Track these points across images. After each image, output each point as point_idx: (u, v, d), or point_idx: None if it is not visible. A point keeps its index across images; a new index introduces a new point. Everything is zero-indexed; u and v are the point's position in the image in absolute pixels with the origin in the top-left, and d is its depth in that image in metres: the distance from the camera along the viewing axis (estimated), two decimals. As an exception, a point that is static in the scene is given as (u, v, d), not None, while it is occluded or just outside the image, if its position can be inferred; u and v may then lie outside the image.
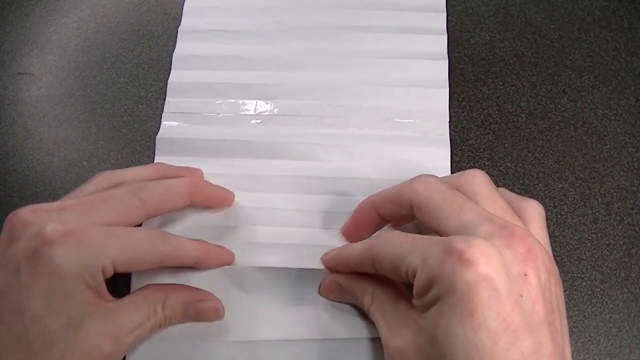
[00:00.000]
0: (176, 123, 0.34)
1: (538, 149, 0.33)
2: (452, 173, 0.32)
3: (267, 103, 0.34)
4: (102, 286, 0.25)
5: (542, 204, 0.32)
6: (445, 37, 0.36)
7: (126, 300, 0.26)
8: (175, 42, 0.37)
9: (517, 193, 0.32)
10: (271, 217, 0.31)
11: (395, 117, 0.34)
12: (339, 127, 0.34)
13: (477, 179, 0.26)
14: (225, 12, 0.37)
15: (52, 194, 0.34)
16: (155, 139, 0.34)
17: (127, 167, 0.34)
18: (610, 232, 0.32)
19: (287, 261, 0.30)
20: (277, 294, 0.29)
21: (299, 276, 0.29)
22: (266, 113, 0.34)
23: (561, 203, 0.32)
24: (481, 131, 0.34)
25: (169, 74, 0.36)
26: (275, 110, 0.34)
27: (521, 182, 0.33)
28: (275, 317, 0.29)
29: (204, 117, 0.34)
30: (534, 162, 0.33)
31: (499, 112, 0.34)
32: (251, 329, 0.29)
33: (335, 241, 0.30)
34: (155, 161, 0.33)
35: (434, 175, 0.26)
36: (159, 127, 0.34)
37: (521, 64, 0.36)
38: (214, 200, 0.31)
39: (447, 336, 0.21)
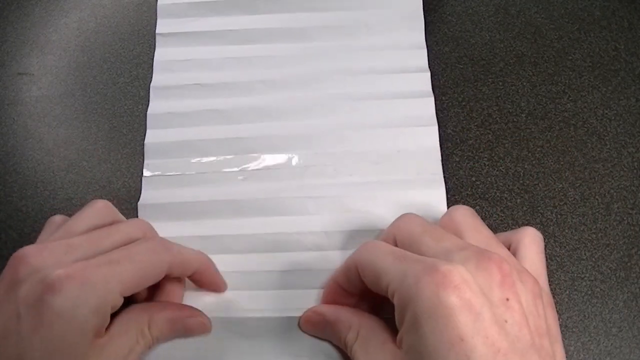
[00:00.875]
0: (156, 187, 0.32)
1: (538, 149, 0.33)
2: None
3: (250, 157, 0.33)
4: (107, 320, 0.24)
5: (542, 204, 0.32)
6: (428, 74, 0.34)
7: (114, 329, 0.25)
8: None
9: (517, 193, 0.32)
10: (263, 280, 0.30)
11: (385, 160, 0.32)
12: (328, 176, 0.32)
13: (459, 212, 0.26)
14: (198, 66, 0.35)
15: (52, 194, 0.34)
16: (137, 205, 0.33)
17: (126, 167, 0.34)
18: (610, 232, 0.32)
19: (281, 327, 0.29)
20: (272, 345, 0.28)
21: (290, 330, 0.28)
22: (250, 168, 0.33)
23: (561, 203, 0.32)
24: (481, 131, 0.34)
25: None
26: (260, 164, 0.33)
27: (521, 182, 0.33)
28: None
29: (185, 177, 0.33)
30: (534, 162, 0.33)
31: (499, 112, 0.34)
32: None
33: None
34: None
35: (413, 214, 0.27)
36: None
37: (521, 64, 0.36)
38: (212, 285, 0.29)
39: None
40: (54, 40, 0.38)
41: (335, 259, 0.30)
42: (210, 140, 0.33)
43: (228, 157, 0.33)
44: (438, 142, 0.32)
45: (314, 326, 0.28)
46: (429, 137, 0.33)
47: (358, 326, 0.25)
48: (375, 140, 0.33)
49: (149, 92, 0.36)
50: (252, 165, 0.33)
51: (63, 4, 0.39)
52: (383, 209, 0.31)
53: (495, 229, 0.31)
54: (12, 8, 0.39)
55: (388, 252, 0.24)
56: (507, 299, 0.21)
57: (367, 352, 0.24)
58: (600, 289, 0.31)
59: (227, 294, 0.30)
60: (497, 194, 0.33)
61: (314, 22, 0.36)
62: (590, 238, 0.31)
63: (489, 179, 0.33)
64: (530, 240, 0.25)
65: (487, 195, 0.32)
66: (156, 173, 0.33)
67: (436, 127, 0.33)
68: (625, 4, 0.37)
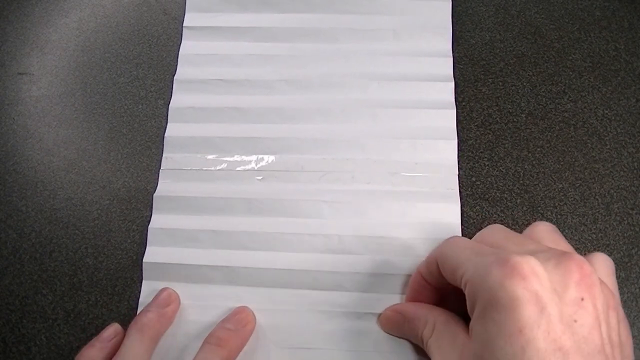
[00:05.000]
0: (173, 182, 0.33)
1: (538, 149, 0.33)
2: (462, 224, 0.31)
3: (268, 158, 0.33)
4: None
5: (542, 204, 0.32)
6: (452, 84, 0.34)
7: None
8: (175, 42, 0.37)
9: (517, 193, 0.32)
10: (274, 278, 0.30)
11: (402, 171, 0.32)
12: (345, 182, 0.32)
13: (541, 227, 0.26)
14: (222, 61, 0.35)
15: (52, 194, 0.34)
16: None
17: (126, 167, 0.34)
18: (610, 232, 0.32)
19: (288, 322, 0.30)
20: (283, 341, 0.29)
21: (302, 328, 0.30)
22: (268, 169, 0.33)
23: (561, 203, 0.32)
24: (481, 131, 0.34)
25: (169, 74, 0.36)
26: (278, 166, 0.33)
27: (521, 182, 0.33)
28: None
29: (203, 173, 0.33)
30: (534, 162, 0.33)
31: (499, 112, 0.34)
32: None
33: (341, 303, 0.30)
34: (152, 219, 0.32)
35: (499, 225, 0.26)
36: (160, 127, 0.34)
37: (521, 64, 0.36)
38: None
39: (494, 354, 0.21)
40: (53, 40, 0.38)
41: (346, 263, 0.30)
42: (229, 138, 0.33)
43: (245, 157, 0.33)
44: (456, 157, 0.32)
45: (393, 324, 0.29)
46: (448, 151, 0.32)
47: (433, 321, 0.26)
48: (394, 150, 0.32)
49: (149, 92, 0.36)
50: (269, 166, 0.33)
51: (63, 4, 0.39)
52: (397, 219, 0.31)
53: (495, 229, 0.31)
54: (12, 8, 0.39)
55: (467, 247, 0.24)
56: (582, 299, 0.21)
57: (440, 346, 0.25)
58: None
59: (236, 289, 0.30)
60: (497, 194, 0.32)
61: (340, 24, 0.36)
62: (590, 238, 0.31)
63: (489, 179, 0.33)
64: (604, 267, 0.25)
65: (487, 195, 0.32)
66: (174, 167, 0.33)
67: (456, 141, 0.33)
68: (625, 4, 0.37)
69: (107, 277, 0.32)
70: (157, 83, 0.36)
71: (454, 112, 0.33)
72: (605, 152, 0.33)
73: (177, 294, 0.30)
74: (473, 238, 0.26)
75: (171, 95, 0.35)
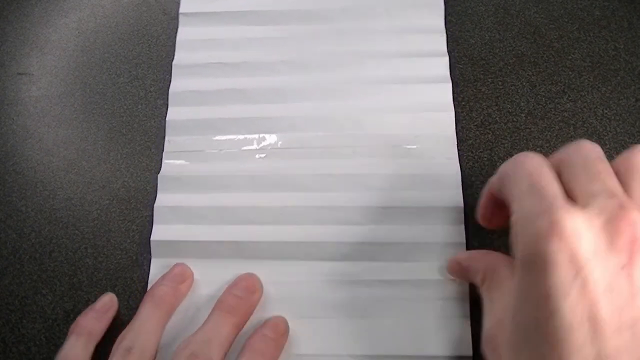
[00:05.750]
0: (177, 161, 0.34)
1: (538, 149, 0.33)
2: (463, 191, 0.32)
3: (270, 137, 0.33)
4: None
5: (542, 203, 0.32)
6: (446, 59, 0.35)
7: None
8: (175, 42, 0.37)
9: (517, 193, 0.32)
10: (281, 250, 0.31)
11: (402, 143, 0.33)
12: (347, 156, 0.33)
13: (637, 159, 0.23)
14: (220, 45, 0.36)
15: (52, 194, 0.34)
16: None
17: (126, 167, 0.34)
18: (610, 232, 0.32)
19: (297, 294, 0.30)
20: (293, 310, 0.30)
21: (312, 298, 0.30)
22: (270, 147, 0.33)
23: (561, 203, 0.32)
24: (481, 131, 0.34)
25: (169, 74, 0.36)
26: (279, 143, 0.33)
27: (521, 182, 0.33)
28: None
29: (206, 154, 0.33)
30: (533, 162, 0.33)
31: (498, 112, 0.34)
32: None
33: (349, 272, 0.30)
34: (157, 198, 0.33)
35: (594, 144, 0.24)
36: (160, 127, 0.34)
37: (521, 64, 0.36)
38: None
39: (521, 319, 0.20)
40: (53, 40, 0.38)
41: (351, 234, 0.31)
42: (230, 119, 0.34)
43: (248, 135, 0.34)
44: (454, 128, 0.33)
45: (455, 274, 0.29)
46: (446, 122, 0.33)
47: (484, 270, 0.25)
48: (394, 124, 0.33)
49: (148, 92, 0.36)
50: (271, 145, 0.33)
51: (63, 4, 0.39)
52: (400, 189, 0.32)
53: (495, 229, 0.31)
54: (12, 8, 0.39)
55: (528, 177, 0.22)
56: (623, 267, 0.19)
57: (489, 293, 0.24)
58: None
59: (244, 263, 0.31)
60: (497, 194, 0.33)
61: (334, 5, 0.36)
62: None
63: (489, 178, 0.33)
64: None
65: (486, 195, 0.32)
66: (176, 149, 0.34)
67: (453, 112, 0.33)
68: (625, 4, 0.37)
69: (107, 277, 0.32)
70: (157, 83, 0.36)
71: (449, 85, 0.34)
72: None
73: (191, 270, 0.31)
74: (554, 154, 0.24)
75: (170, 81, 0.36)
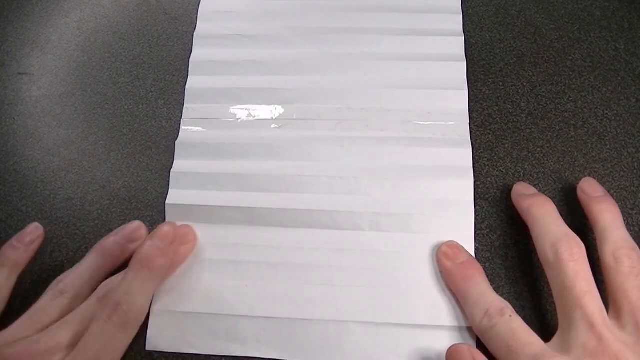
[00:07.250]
0: (195, 128, 0.34)
1: (538, 149, 0.33)
2: (474, 173, 0.32)
3: (285, 108, 0.34)
4: None
5: (542, 204, 0.32)
6: (462, 39, 0.36)
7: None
8: (176, 42, 0.37)
9: (517, 193, 0.32)
10: (293, 218, 0.32)
11: (415, 119, 0.33)
12: (360, 130, 0.33)
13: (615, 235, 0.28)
14: (241, 17, 0.37)
15: (52, 194, 0.34)
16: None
17: (126, 167, 0.34)
18: (610, 232, 0.32)
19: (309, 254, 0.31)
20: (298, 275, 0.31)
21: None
22: (285, 118, 0.34)
23: (561, 203, 0.32)
24: (481, 131, 0.34)
25: (169, 74, 0.36)
26: (294, 114, 0.34)
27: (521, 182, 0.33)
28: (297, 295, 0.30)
29: (223, 122, 0.34)
30: (534, 162, 0.33)
31: (499, 112, 0.34)
32: (276, 306, 0.30)
33: (358, 241, 0.31)
34: (174, 164, 0.33)
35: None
36: (160, 127, 0.34)
37: (521, 64, 0.36)
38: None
39: None
40: (54, 40, 0.38)
41: (362, 204, 0.31)
42: (247, 89, 0.35)
43: (264, 105, 0.35)
44: (467, 106, 0.34)
45: None
46: (460, 100, 0.34)
47: None
48: (407, 100, 0.34)
49: (149, 92, 0.36)
50: (286, 115, 0.34)
51: (63, 4, 0.39)
52: (411, 163, 0.32)
53: (495, 229, 0.31)
54: (12, 8, 0.39)
55: (550, 223, 0.28)
56: None
57: None
58: (601, 289, 0.31)
59: (256, 229, 0.32)
60: (497, 194, 0.33)
61: None
62: (590, 239, 0.31)
63: (489, 179, 0.33)
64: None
65: (487, 196, 0.32)
66: (194, 116, 0.35)
67: (466, 91, 0.34)
68: (625, 4, 0.37)
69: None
70: (157, 83, 0.36)
71: (464, 64, 0.35)
72: (605, 152, 0.33)
73: (194, 233, 0.32)
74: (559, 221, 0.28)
75: (191, 51, 0.37)
